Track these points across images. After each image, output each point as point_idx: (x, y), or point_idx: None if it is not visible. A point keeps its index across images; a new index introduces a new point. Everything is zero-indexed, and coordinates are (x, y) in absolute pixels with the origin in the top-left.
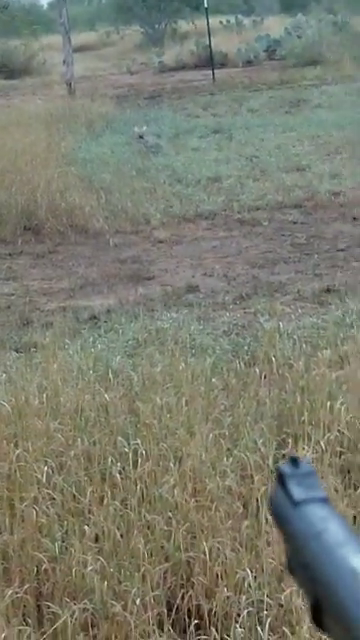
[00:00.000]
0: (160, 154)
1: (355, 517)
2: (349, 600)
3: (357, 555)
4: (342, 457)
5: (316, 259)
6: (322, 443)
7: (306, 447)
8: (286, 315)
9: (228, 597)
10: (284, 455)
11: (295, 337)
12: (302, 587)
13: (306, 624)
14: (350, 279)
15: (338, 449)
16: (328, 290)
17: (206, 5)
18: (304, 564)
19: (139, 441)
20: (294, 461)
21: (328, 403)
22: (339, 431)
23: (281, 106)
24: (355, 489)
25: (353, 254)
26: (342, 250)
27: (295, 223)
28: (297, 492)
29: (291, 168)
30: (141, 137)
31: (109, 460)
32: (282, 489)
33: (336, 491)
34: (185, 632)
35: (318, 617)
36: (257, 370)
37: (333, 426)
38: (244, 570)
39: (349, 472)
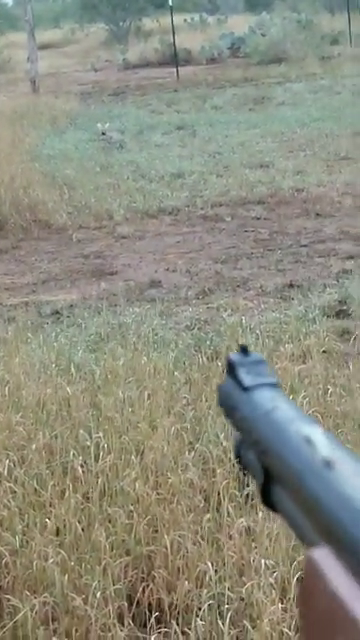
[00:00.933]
0: (124, 150)
1: None
2: (302, 463)
3: (309, 425)
4: None
5: (279, 255)
6: None
7: None
8: (249, 310)
9: (189, 591)
10: None
11: (258, 332)
12: (251, 470)
13: (267, 618)
14: (312, 274)
15: None
16: (291, 285)
17: (170, 3)
18: (254, 442)
19: (101, 434)
20: (244, 350)
21: (290, 396)
22: None
23: (245, 103)
24: None
25: (316, 250)
26: (305, 246)
27: (258, 219)
28: (247, 379)
29: (254, 164)
30: (104, 134)
31: (71, 453)
32: (231, 377)
33: None
34: (145, 626)
35: (268, 495)
36: (219, 364)
37: None
38: (205, 564)
39: None
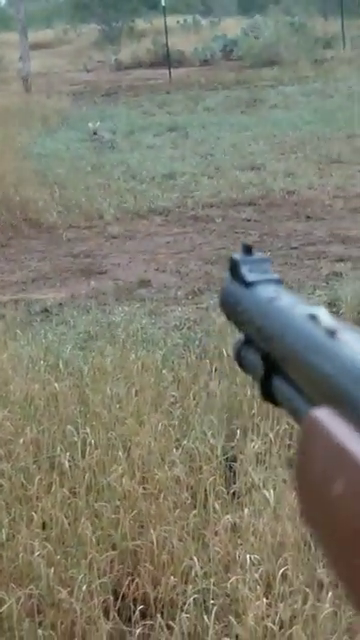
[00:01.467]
0: (115, 150)
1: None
2: (305, 337)
3: (313, 306)
4: (291, 449)
5: (269, 256)
6: (271, 435)
7: (255, 439)
8: None
9: (174, 585)
10: (232, 447)
11: None
12: (251, 369)
13: (252, 613)
14: (302, 276)
15: (287, 441)
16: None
17: (163, 4)
18: (256, 330)
19: (88, 430)
20: (247, 249)
21: None
22: (288, 424)
23: (237, 106)
24: None
25: (306, 252)
26: (295, 248)
27: (249, 221)
28: (250, 275)
29: (246, 166)
30: (95, 133)
31: (58, 449)
32: (234, 276)
33: (284, 482)
34: (130, 620)
35: (268, 387)
36: (208, 363)
37: (282, 418)
38: (191, 559)
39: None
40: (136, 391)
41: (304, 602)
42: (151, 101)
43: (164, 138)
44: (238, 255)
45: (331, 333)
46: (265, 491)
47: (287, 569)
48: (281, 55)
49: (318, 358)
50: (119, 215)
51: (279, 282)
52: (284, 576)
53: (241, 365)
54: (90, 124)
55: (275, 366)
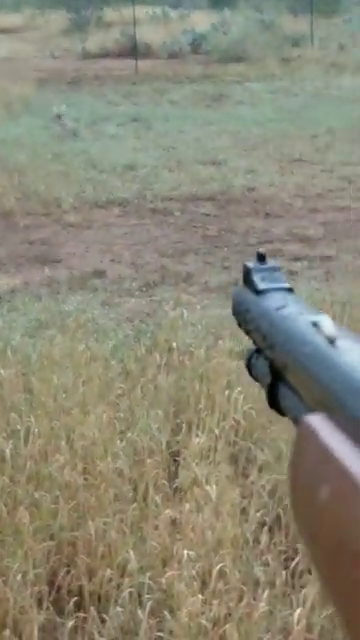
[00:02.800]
0: (77, 139)
1: (245, 508)
2: (307, 344)
3: (318, 314)
4: (236, 446)
5: (225, 252)
6: (216, 431)
7: (200, 434)
8: (191, 305)
9: (110, 578)
10: (177, 441)
11: (199, 327)
12: (259, 377)
13: (186, 609)
14: None
15: (232, 438)
16: (235, 283)
17: None
18: (263, 336)
19: (32, 419)
20: (261, 257)
21: (226, 392)
22: (234, 420)
23: (202, 100)
24: (246, 477)
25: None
26: (252, 245)
27: (207, 215)
28: (261, 284)
29: (208, 161)
30: (59, 117)
31: (0, 436)
32: (246, 283)
33: (227, 478)
34: (64, 611)
35: (274, 396)
36: (157, 356)
37: (229, 415)
38: (128, 552)
39: (239, 461)
40: (83, 381)
41: (239, 600)
42: (116, 91)
43: (127, 129)
44: (251, 263)
45: (331, 341)
46: (207, 487)
47: (224, 566)
48: (249, 51)
49: (316, 365)
50: (77, 204)
51: (290, 291)
52: (221, 573)
53: (251, 374)
54: (55, 108)
55: (279, 374)
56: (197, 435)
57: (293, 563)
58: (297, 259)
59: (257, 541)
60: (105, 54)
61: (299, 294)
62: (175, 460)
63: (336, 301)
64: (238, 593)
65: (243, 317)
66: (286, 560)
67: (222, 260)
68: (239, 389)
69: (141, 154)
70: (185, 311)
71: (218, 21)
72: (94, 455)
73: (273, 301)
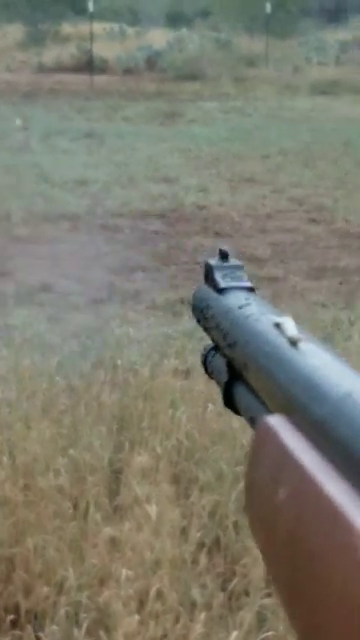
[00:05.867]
0: (29, 152)
1: (184, 528)
2: (269, 344)
3: (281, 315)
4: (178, 466)
5: (174, 270)
6: (159, 450)
7: (142, 452)
8: (138, 322)
9: (47, 596)
10: (120, 459)
11: (144, 345)
12: (215, 375)
13: (122, 629)
14: None
15: (175, 457)
16: (182, 301)
17: (91, 10)
18: (223, 335)
19: None
20: (224, 255)
21: (170, 411)
22: (177, 440)
23: (156, 117)
24: (187, 498)
25: None
26: (200, 264)
27: (157, 233)
28: (222, 282)
29: (159, 179)
30: (19, 124)
31: None
32: (207, 281)
33: (168, 498)
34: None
35: (230, 395)
36: (102, 373)
37: (172, 434)
38: (66, 570)
39: (181, 481)
40: (27, 396)
41: (176, 621)
42: (70, 106)
43: (80, 144)
44: (213, 260)
45: (293, 343)
46: (148, 506)
47: (162, 586)
48: (204, 70)
49: (277, 366)
50: (27, 217)
51: (252, 290)
52: (159, 593)
53: (207, 371)
54: (6, 124)
55: (238, 373)
56: (139, 454)
57: (231, 585)
58: None
59: (196, 562)
60: (61, 68)
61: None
62: (117, 478)
63: None
64: (175, 614)
65: (203, 314)
66: (224, 582)
67: (170, 278)
68: (183, 409)
69: (93, 170)
70: (131, 329)
71: (174, 39)
72: (35, 471)
73: (235, 299)
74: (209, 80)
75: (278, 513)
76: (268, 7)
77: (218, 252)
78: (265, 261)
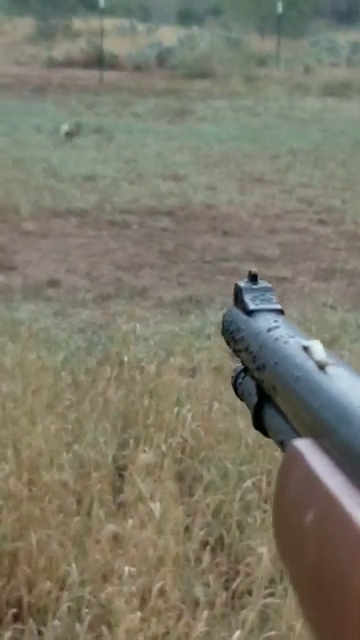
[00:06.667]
0: (38, 147)
1: (188, 527)
2: (297, 368)
3: (309, 339)
4: (182, 464)
5: (181, 268)
6: (163, 447)
7: (147, 449)
8: (145, 319)
9: (50, 591)
10: (124, 456)
11: (151, 342)
12: (245, 397)
13: (124, 625)
14: (212, 291)
15: (179, 455)
16: (190, 299)
17: (102, 5)
18: (252, 358)
19: None
20: (253, 277)
21: (175, 409)
22: (182, 437)
23: (165, 114)
24: (191, 496)
25: (219, 267)
26: (208, 262)
27: (165, 230)
28: (252, 304)
29: (168, 176)
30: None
31: None
32: (237, 303)
33: (172, 496)
34: (2, 622)
35: (259, 417)
36: (108, 369)
37: (177, 432)
38: (69, 565)
39: (185, 479)
40: (32, 391)
41: (178, 619)
42: (79, 101)
43: (89, 139)
44: (243, 282)
45: (321, 366)
46: (151, 503)
47: (165, 584)
48: (214, 68)
49: (305, 390)
50: (35, 212)
51: (281, 312)
52: (161, 591)
53: (237, 393)
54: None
55: (267, 396)
56: (144, 451)
57: (234, 584)
58: None
59: (199, 560)
60: (71, 63)
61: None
62: (121, 475)
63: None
64: (177, 612)
65: (232, 336)
66: (227, 581)
67: (177, 276)
68: (188, 407)
69: (101, 165)
70: (138, 325)
71: (185, 36)
72: (40, 466)
73: (264, 322)
74: (219, 78)
75: (306, 536)
76: (280, 7)
77: (248, 274)
78: (273, 261)
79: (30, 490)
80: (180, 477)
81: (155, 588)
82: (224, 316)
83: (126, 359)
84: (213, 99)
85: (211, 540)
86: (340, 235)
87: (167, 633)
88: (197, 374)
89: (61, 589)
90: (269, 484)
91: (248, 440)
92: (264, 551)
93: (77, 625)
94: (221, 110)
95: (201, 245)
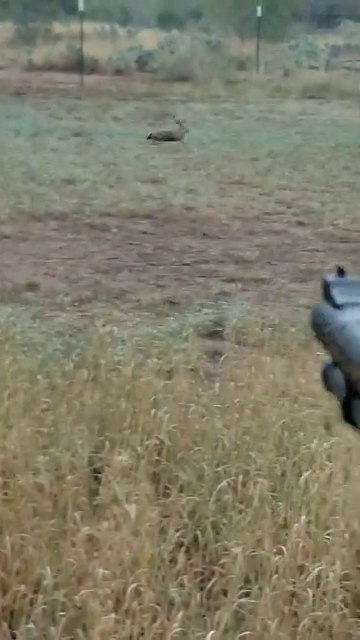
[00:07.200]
0: (18, 151)
1: (163, 528)
2: None
3: None
4: (158, 465)
5: (160, 270)
6: (140, 449)
7: (123, 451)
8: (123, 322)
9: (25, 594)
10: (100, 459)
11: (129, 344)
12: (335, 390)
13: (99, 628)
14: (191, 293)
15: (155, 457)
16: (168, 302)
17: (81, 8)
18: (340, 350)
19: None
20: (341, 271)
21: (152, 411)
22: (158, 439)
23: (145, 118)
24: (167, 497)
25: (198, 269)
26: (187, 265)
27: (145, 233)
28: (340, 297)
29: (147, 179)
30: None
31: None
32: (325, 297)
33: (147, 498)
34: None
35: (349, 410)
36: (85, 372)
37: (153, 433)
38: (44, 568)
39: (161, 480)
40: (8, 394)
41: (153, 620)
42: (60, 105)
43: (69, 143)
44: (331, 277)
45: None
46: (127, 505)
47: (140, 585)
48: (195, 72)
49: None
50: (14, 216)
51: None
52: (136, 592)
53: (326, 386)
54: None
55: (357, 389)
56: (119, 453)
57: (209, 584)
58: (231, 280)
59: (174, 561)
60: (50, 67)
61: (231, 315)
62: (96, 477)
63: (267, 324)
64: (152, 613)
65: (321, 330)
66: (202, 581)
67: (156, 278)
68: (165, 409)
69: (81, 169)
70: (116, 328)
71: (165, 40)
72: (15, 469)
73: (352, 315)
74: (199, 82)
75: None
76: (259, 10)
77: (336, 269)
78: (252, 263)
79: (5, 493)
80: (156, 478)
81: (129, 589)
82: (312, 310)
83: (103, 362)
84: (193, 102)
85: (186, 541)
86: (318, 237)
87: (142, 634)
88: (174, 376)
89: (35, 592)
90: (244, 485)
91: (225, 441)
92: (239, 551)
93: (52, 628)
94: (201, 113)
95: (180, 247)
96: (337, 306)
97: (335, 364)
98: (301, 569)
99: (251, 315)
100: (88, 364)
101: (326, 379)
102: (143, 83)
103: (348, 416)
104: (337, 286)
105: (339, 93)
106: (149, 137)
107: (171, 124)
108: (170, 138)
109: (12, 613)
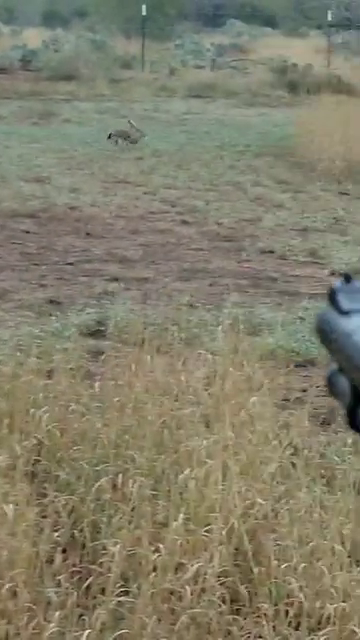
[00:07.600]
0: None
1: (42, 528)
2: None
3: None
4: (37, 465)
5: (43, 270)
6: (18, 449)
7: (1, 451)
8: (4, 322)
9: None
10: None
11: (10, 344)
12: (340, 397)
13: None
14: (75, 293)
15: (34, 456)
16: (51, 302)
17: None
18: (346, 358)
19: None
20: (347, 278)
21: (32, 410)
22: (37, 439)
23: (29, 117)
24: (45, 497)
25: (81, 269)
26: (71, 264)
27: (27, 232)
28: (345, 304)
29: (31, 178)
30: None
31: None
32: (331, 303)
33: (26, 497)
34: None
35: (355, 416)
36: None
37: (31, 433)
38: None
39: (43, 481)
40: None
41: (29, 620)
42: None
43: None
44: (337, 283)
45: None
46: (4, 506)
47: (15, 586)
48: (79, 71)
49: None
50: None
51: None
52: (12, 592)
53: (331, 392)
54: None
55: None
56: None
57: (86, 583)
58: (115, 279)
59: (51, 561)
60: None
61: (114, 314)
62: None
63: (149, 323)
64: (29, 613)
65: (326, 337)
66: (80, 580)
67: (39, 278)
68: (45, 408)
69: None
70: None
71: (50, 39)
72: None
73: (358, 322)
74: (84, 81)
75: None
76: (144, 9)
77: (343, 276)
78: (136, 262)
79: None
80: (34, 478)
81: (4, 590)
82: (318, 316)
83: None
84: (78, 101)
85: (64, 540)
86: (203, 235)
87: (17, 634)
88: (55, 375)
89: None
90: (124, 484)
91: (104, 440)
92: (117, 550)
93: None
94: (86, 112)
95: (63, 247)
96: (343, 312)
97: (340, 370)
98: (179, 567)
99: (133, 314)
100: None
101: (331, 385)
102: (27, 82)
103: (353, 423)
104: (343, 292)
105: (225, 92)
106: (109, 137)
107: (125, 125)
108: (127, 137)
109: None
